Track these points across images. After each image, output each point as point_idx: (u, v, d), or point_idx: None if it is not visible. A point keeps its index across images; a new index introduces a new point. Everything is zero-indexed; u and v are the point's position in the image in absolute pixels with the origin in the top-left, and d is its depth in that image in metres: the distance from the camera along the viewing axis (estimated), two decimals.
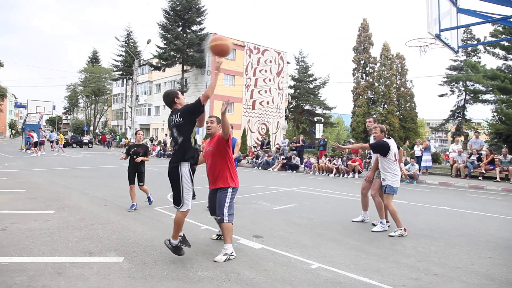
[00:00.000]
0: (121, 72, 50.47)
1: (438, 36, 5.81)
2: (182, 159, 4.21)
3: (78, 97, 69.02)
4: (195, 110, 4.32)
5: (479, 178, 15.37)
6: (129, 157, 7.49)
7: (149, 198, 7.81)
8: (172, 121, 4.36)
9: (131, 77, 46.49)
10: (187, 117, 4.28)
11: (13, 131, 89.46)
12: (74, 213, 6.79)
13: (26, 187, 9.58)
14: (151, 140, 34.55)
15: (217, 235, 5.34)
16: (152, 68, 40.50)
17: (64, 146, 38.87)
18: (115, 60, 50.75)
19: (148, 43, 30.14)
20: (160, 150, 28.46)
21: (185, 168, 4.22)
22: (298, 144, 20.80)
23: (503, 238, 5.98)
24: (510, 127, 23.36)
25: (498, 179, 14.72)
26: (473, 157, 16.13)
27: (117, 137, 47.94)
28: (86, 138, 43.92)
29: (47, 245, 4.75)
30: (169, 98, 4.45)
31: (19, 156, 22.38)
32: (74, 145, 40.29)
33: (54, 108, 35.65)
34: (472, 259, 4.79)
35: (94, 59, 64.62)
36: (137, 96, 36.46)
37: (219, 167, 4.59)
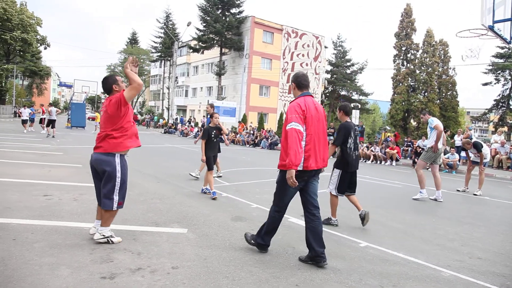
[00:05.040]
0: (159, 54, 51.52)
1: (491, 28, 5.82)
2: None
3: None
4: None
5: None
6: (205, 141, 7.15)
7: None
8: (356, 131, 5.44)
9: (169, 58, 47.43)
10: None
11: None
12: (132, 188, 7.31)
13: (82, 162, 10.28)
14: (189, 121, 35.41)
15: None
16: (191, 50, 41.12)
17: None
18: (154, 41, 51.81)
19: (188, 25, 30.68)
20: (198, 131, 29.25)
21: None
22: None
23: None
24: None
25: None
26: None
27: (155, 117, 49.39)
28: None
29: (118, 215, 5.22)
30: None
31: (67, 133, 23.67)
32: None
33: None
34: None
35: (133, 40, 66.09)
36: (176, 77, 37.27)
37: None
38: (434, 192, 8.32)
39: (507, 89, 34.69)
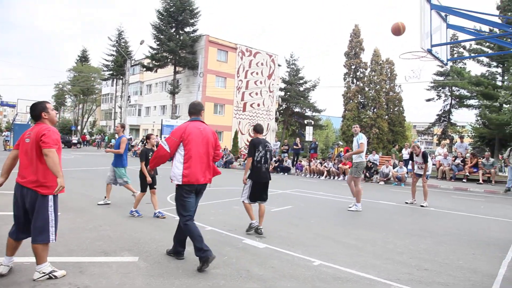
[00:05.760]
0: (111, 72, 50.28)
1: (429, 51, 6.24)
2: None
3: (66, 96, 68.19)
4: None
5: (463, 180, 16.00)
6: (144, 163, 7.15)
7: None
8: (268, 147, 6.09)
9: (121, 77, 46.41)
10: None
11: None
12: (80, 214, 7.03)
13: None
14: (142, 141, 34.57)
15: None
16: (144, 69, 40.54)
17: None
18: (105, 59, 50.60)
19: (141, 43, 30.26)
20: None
21: None
22: (296, 147, 21.24)
23: (485, 236, 6.51)
24: (493, 131, 24.23)
25: (481, 181, 15.35)
26: (458, 160, 16.76)
27: (106, 137, 47.79)
28: (75, 138, 43.73)
29: (62, 245, 4.99)
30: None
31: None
32: (63, 145, 40.01)
33: None
34: (457, 255, 5.25)
35: (83, 58, 64.01)
36: (129, 96, 36.46)
37: None
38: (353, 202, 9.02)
39: (447, 104, 37.10)
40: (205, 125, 4.62)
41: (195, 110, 4.66)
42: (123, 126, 8.77)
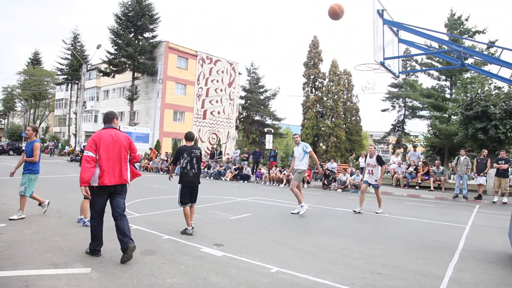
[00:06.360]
0: (66, 76, 48.30)
1: (382, 64, 6.52)
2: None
3: (16, 100, 64.62)
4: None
5: (416, 187, 16.74)
6: None
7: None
8: (195, 153, 6.60)
9: (76, 81, 44.73)
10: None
11: None
12: (28, 225, 6.67)
13: None
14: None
15: None
16: (101, 74, 39.34)
17: None
18: (59, 63, 48.51)
19: (98, 48, 29.40)
20: None
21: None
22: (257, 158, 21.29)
23: (434, 241, 6.80)
24: (443, 141, 25.58)
25: (432, 188, 16.12)
26: (411, 168, 17.52)
27: (60, 144, 45.75)
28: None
29: (7, 259, 4.70)
30: None
31: None
32: (11, 152, 38.02)
33: None
34: (409, 259, 5.46)
35: (35, 61, 61.04)
36: (84, 102, 35.19)
37: None
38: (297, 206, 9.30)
39: (401, 115, 38.84)
40: (117, 131, 5.09)
41: (107, 119, 5.17)
42: (35, 130, 7.86)
